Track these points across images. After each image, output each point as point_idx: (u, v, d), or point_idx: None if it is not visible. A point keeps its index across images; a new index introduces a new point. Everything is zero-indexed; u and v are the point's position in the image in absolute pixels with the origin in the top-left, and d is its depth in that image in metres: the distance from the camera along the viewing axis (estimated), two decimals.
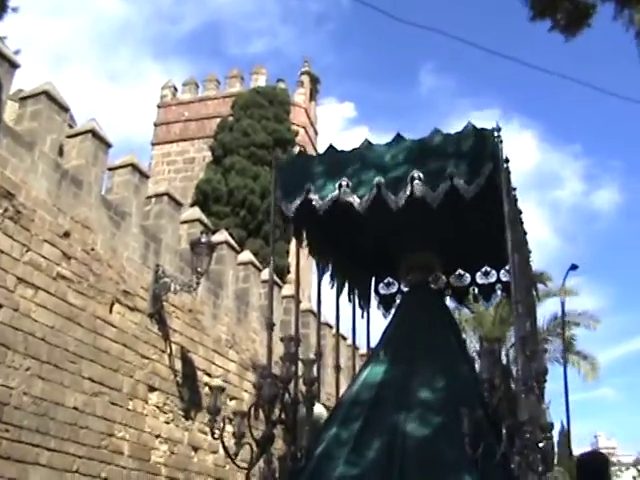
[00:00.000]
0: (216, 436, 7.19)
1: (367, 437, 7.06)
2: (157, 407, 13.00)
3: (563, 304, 21.94)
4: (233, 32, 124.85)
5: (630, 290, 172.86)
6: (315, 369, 7.76)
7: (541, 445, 6.74)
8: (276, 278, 19.40)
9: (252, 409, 7.21)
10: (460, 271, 9.86)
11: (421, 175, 7.15)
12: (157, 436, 12.90)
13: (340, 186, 7.40)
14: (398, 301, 9.62)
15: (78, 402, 11.09)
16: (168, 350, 13.61)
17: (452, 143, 7.39)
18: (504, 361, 7.14)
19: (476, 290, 9.90)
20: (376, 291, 9.97)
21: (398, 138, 7.72)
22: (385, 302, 9.89)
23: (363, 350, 11.61)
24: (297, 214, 7.75)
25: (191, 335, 14.48)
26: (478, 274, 9.78)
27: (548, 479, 6.49)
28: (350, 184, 7.40)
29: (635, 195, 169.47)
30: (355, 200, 7.34)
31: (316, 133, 40.47)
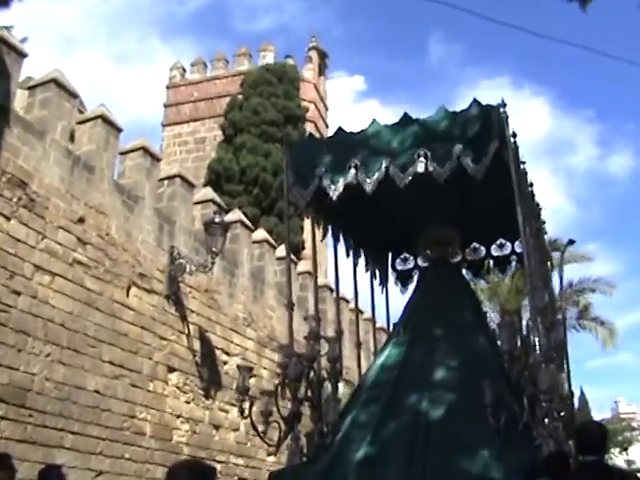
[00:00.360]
0: (245, 414, 7.33)
1: (389, 418, 7.14)
2: (177, 387, 13.15)
3: (561, 278, 21.76)
4: (239, 9, 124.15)
5: None
6: (337, 346, 7.94)
7: (562, 413, 6.89)
8: (292, 255, 19.50)
9: (279, 388, 7.42)
10: (475, 244, 9.97)
11: (428, 153, 7.25)
12: (178, 416, 13.06)
13: (350, 168, 7.52)
14: (417, 277, 9.78)
15: (99, 385, 11.25)
16: (186, 331, 13.74)
17: (458, 122, 7.44)
18: (524, 332, 7.22)
19: (491, 262, 10.05)
20: (393, 267, 10.12)
21: (405, 118, 7.80)
22: (402, 278, 10.05)
23: (381, 324, 11.67)
24: (314, 199, 7.93)
25: (208, 315, 14.60)
26: (493, 247, 9.90)
27: (570, 447, 6.52)
28: (360, 166, 7.51)
29: None
30: (365, 181, 7.45)
31: (326, 108, 40.38)
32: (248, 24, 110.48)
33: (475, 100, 7.57)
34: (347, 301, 20.01)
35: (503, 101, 7.33)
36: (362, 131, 7.93)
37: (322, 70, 39.61)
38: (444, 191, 7.57)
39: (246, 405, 7.37)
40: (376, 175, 7.41)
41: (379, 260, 10.00)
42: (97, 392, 11.19)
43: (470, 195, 8.26)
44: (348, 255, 9.37)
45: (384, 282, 10.03)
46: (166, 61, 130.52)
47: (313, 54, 38.19)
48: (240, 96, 28.66)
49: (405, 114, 7.85)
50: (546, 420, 6.53)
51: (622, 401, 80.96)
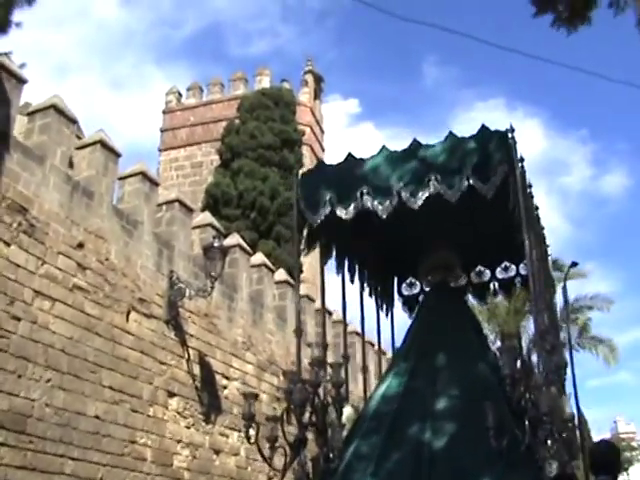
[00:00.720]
0: (252, 441, 7.57)
1: (391, 449, 7.22)
2: (177, 412, 13.10)
3: (566, 300, 21.73)
4: (234, 34, 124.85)
5: None
6: (342, 372, 7.94)
7: (564, 435, 6.93)
8: (290, 279, 19.50)
9: (284, 413, 7.59)
10: (480, 267, 10.12)
11: (438, 177, 7.40)
12: (178, 441, 13.00)
13: (362, 195, 7.67)
14: (419, 302, 9.88)
15: (99, 411, 11.20)
16: (186, 355, 13.70)
17: (467, 146, 7.57)
18: (525, 355, 7.27)
19: (496, 285, 10.15)
20: (399, 292, 10.26)
21: (414, 143, 7.93)
22: (408, 303, 10.18)
23: (386, 347, 11.69)
24: (321, 224, 8.04)
25: (208, 339, 14.57)
26: (498, 269, 9.98)
27: (573, 468, 6.55)
28: (372, 192, 7.65)
29: None
30: (377, 207, 7.62)
31: (322, 132, 40.55)
32: (243, 48, 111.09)
33: (483, 126, 7.69)
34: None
35: (512, 126, 7.47)
36: (372, 157, 8.04)
37: (317, 94, 39.81)
38: (450, 216, 7.79)
39: (252, 432, 7.56)
40: (388, 200, 7.56)
41: (385, 285, 10.12)
42: (97, 417, 11.15)
43: (476, 219, 8.37)
44: (353, 281, 9.48)
45: (390, 307, 10.17)
46: (161, 86, 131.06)
47: (309, 78, 38.41)
48: (237, 120, 28.74)
49: (414, 140, 7.96)
50: (548, 442, 6.55)
51: (621, 421, 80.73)
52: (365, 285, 9.76)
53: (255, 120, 27.81)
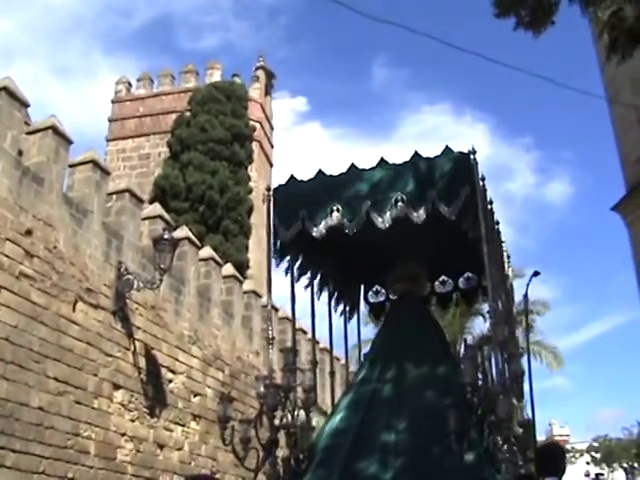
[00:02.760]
0: (227, 442, 7.97)
1: (358, 452, 7.62)
2: (122, 405, 12.90)
3: (526, 311, 21.93)
4: (185, 26, 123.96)
5: (580, 280, 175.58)
6: (311, 377, 8.51)
7: (519, 439, 7.44)
8: (237, 274, 19.41)
9: (257, 417, 8.08)
10: (444, 277, 10.61)
11: (404, 197, 7.91)
12: (123, 434, 12.80)
13: (332, 212, 8.18)
14: (386, 312, 10.32)
15: (43, 402, 10.95)
16: (132, 347, 13.51)
17: (432, 168, 8.08)
18: (486, 364, 7.70)
19: (459, 295, 10.76)
20: (365, 299, 10.71)
21: (382, 162, 8.41)
22: (374, 310, 10.71)
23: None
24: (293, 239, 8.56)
25: (154, 332, 14.38)
26: (461, 280, 10.54)
27: (530, 469, 6.90)
28: (341, 210, 8.17)
29: (585, 186, 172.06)
30: (347, 225, 8.13)
31: (272, 128, 40.41)
32: (193, 42, 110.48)
33: (447, 147, 8.16)
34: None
35: (473, 148, 7.92)
36: (341, 174, 8.50)
37: (268, 90, 39.64)
38: (417, 229, 8.05)
39: (227, 433, 7.98)
40: (357, 219, 8.05)
41: (352, 293, 10.53)
42: (41, 409, 10.89)
43: (441, 233, 8.62)
44: (321, 290, 9.96)
45: (354, 315, 10.56)
46: (109, 76, 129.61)
47: (260, 73, 38.22)
48: (187, 113, 28.47)
49: (382, 159, 8.43)
50: (505, 445, 7.02)
51: (556, 423, 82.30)
52: (332, 293, 10.17)
53: (206, 113, 27.58)
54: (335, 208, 8.17)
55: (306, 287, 9.68)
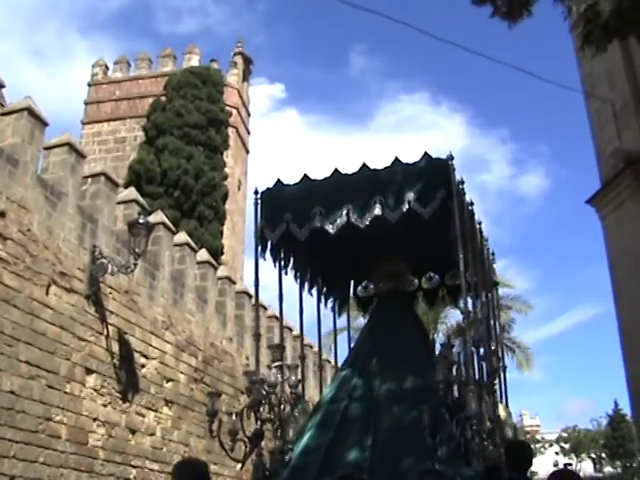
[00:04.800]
0: (214, 435, 8.43)
1: (338, 442, 8.14)
2: (94, 390, 12.83)
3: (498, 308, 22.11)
4: (163, 9, 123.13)
5: (553, 272, 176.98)
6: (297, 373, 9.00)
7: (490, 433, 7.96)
8: (212, 260, 19.35)
9: (244, 410, 8.60)
10: (430, 274, 11.22)
11: (383, 200, 8.42)
12: (95, 419, 12.73)
13: (314, 215, 8.68)
14: (370, 310, 10.94)
15: (15, 386, 10.86)
16: (105, 332, 13.42)
17: (410, 172, 8.59)
18: (460, 361, 8.06)
19: (445, 291, 11.24)
20: (355, 293, 11.39)
21: (363, 168, 8.90)
22: (363, 303, 11.34)
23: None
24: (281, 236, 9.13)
25: (128, 317, 14.31)
26: (446, 276, 10.97)
27: (501, 463, 7.14)
28: (323, 212, 8.68)
29: (560, 179, 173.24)
30: (329, 226, 8.65)
31: (248, 114, 40.33)
32: (171, 26, 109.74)
33: (426, 153, 8.64)
34: (265, 307, 20.18)
35: (451, 154, 8.42)
36: (325, 179, 9.04)
37: (246, 76, 39.55)
38: (401, 227, 8.55)
39: (215, 426, 8.40)
40: (338, 220, 8.58)
41: (342, 287, 11.25)
42: (12, 393, 10.79)
43: (426, 232, 9.05)
44: (312, 288, 10.65)
45: (344, 309, 11.34)
46: (85, 58, 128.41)
47: (238, 59, 38.12)
48: (163, 97, 28.32)
49: (363, 164, 8.94)
50: (475, 439, 7.43)
51: (526, 414, 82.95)
52: (321, 289, 10.84)
53: (182, 98, 27.45)
54: (318, 211, 8.65)
55: (300, 282, 10.33)
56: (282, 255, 9.76)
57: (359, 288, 11.32)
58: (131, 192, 16.23)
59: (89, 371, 12.76)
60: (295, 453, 8.40)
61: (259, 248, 9.36)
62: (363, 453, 7.76)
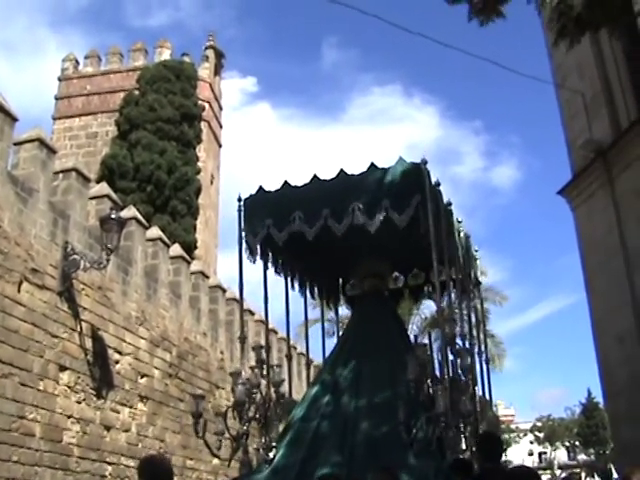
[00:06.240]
0: (200, 435, 8.89)
1: (321, 435, 8.46)
2: (68, 387, 12.76)
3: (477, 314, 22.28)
4: (134, 3, 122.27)
5: (525, 263, 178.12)
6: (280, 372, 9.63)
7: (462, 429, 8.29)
8: (185, 254, 19.30)
9: (229, 410, 8.96)
10: (416, 270, 11.53)
11: (360, 206, 8.66)
12: (69, 416, 12.66)
13: (294, 220, 8.99)
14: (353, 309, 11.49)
15: None
16: (78, 328, 13.34)
17: (386, 178, 8.83)
18: (433, 359, 8.32)
19: (430, 288, 11.43)
20: (343, 292, 11.79)
21: (341, 173, 9.21)
22: (351, 301, 11.71)
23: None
24: (263, 242, 9.56)
25: (101, 313, 14.23)
26: (431, 273, 10.88)
27: (470, 457, 7.72)
28: (302, 217, 8.97)
29: (533, 171, 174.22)
30: (307, 231, 8.95)
31: (221, 108, 40.20)
32: (142, 19, 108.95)
33: (401, 158, 8.93)
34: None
35: (424, 159, 8.69)
36: (305, 185, 9.39)
37: (218, 70, 39.41)
38: (385, 230, 8.76)
39: (200, 427, 8.88)
40: (316, 225, 8.88)
41: (331, 287, 11.70)
42: None
43: (404, 234, 9.13)
44: (302, 287, 11.07)
45: (334, 306, 11.92)
46: (55, 52, 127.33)
47: (210, 53, 37.96)
48: (136, 92, 28.15)
49: (341, 170, 9.26)
50: (443, 434, 7.72)
51: (501, 404, 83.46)
52: (312, 289, 11.35)
53: (155, 92, 27.33)
54: (297, 216, 8.94)
55: (285, 283, 10.78)
56: (268, 258, 10.13)
57: (347, 287, 11.69)
58: (103, 187, 16.13)
59: (63, 368, 12.68)
60: (265, 473, 8.47)
61: (243, 254, 9.67)
62: (340, 467, 7.79)
